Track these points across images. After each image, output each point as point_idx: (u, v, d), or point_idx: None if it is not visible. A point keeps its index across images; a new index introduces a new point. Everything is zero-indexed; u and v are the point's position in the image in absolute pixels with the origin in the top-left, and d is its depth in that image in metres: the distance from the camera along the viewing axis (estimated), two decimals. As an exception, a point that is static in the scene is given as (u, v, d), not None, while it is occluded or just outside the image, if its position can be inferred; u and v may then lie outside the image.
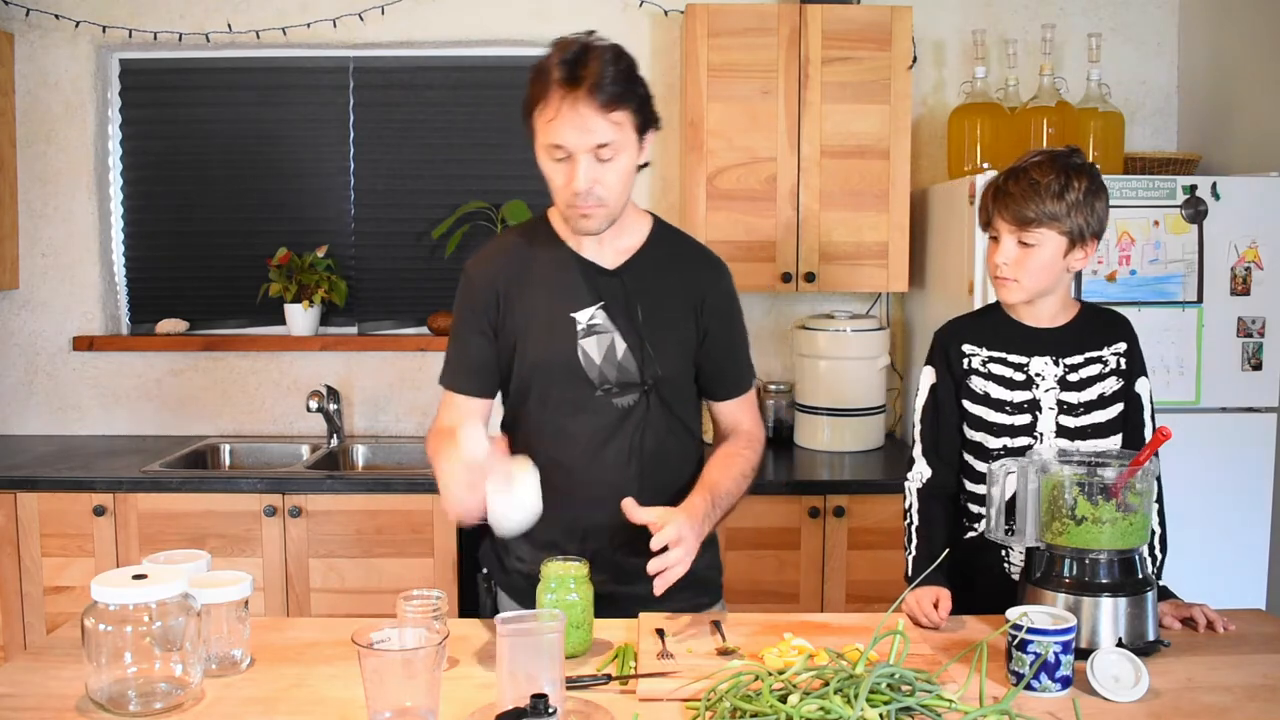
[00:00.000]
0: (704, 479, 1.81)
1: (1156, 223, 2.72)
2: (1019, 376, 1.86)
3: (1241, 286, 2.75)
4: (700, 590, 1.89)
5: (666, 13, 3.41)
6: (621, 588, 1.81)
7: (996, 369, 1.87)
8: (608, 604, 1.77)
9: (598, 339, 1.80)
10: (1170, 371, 2.74)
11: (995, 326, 1.90)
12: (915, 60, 3.27)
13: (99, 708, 1.41)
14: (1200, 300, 2.75)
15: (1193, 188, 2.73)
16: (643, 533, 1.81)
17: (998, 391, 1.86)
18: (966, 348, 1.90)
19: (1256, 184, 2.77)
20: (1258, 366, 2.77)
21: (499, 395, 1.93)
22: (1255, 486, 2.79)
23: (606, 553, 1.82)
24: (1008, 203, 1.79)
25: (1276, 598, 2.84)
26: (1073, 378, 1.85)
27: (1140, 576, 1.63)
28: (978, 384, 1.88)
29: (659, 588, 1.61)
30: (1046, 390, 1.85)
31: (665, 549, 1.62)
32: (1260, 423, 2.79)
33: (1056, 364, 1.85)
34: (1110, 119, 3.08)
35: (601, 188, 1.70)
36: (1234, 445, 2.77)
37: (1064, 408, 1.84)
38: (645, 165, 1.82)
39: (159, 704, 1.42)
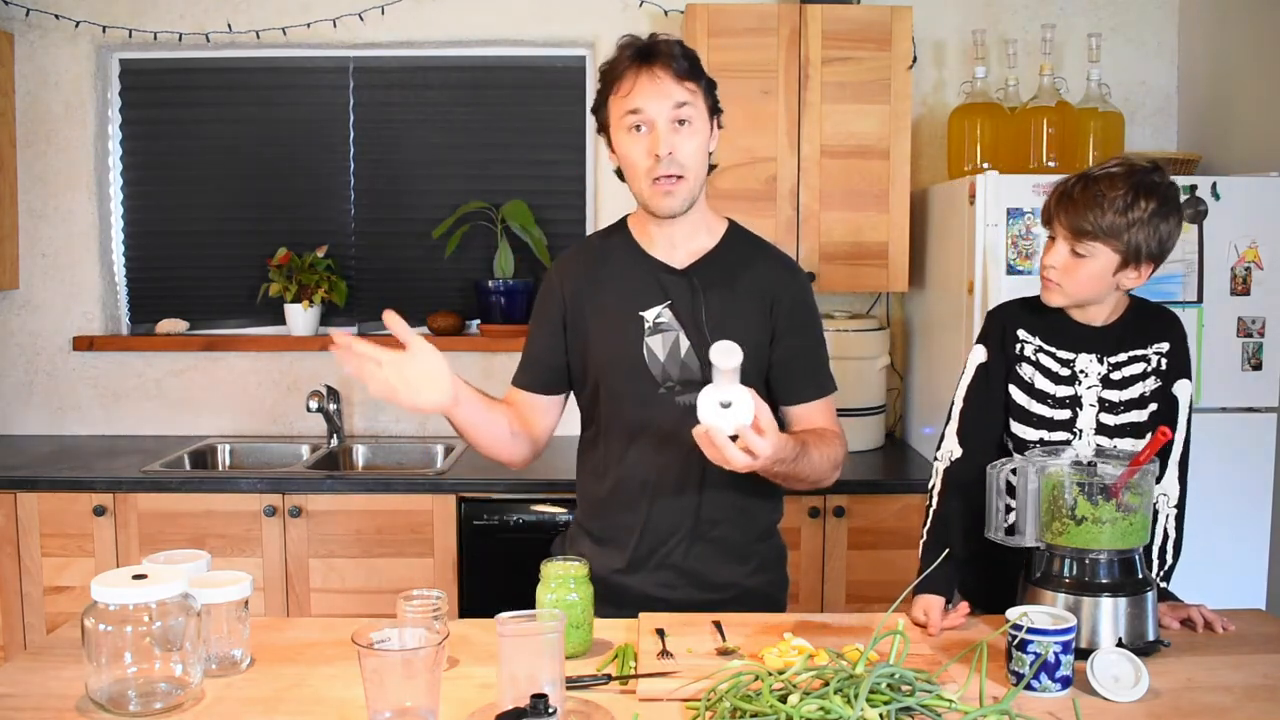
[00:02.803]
0: (797, 434, 1.76)
1: (1156, 223, 2.72)
2: (1064, 371, 1.85)
3: (1241, 286, 2.75)
4: (763, 606, 1.90)
5: (666, 13, 3.41)
6: (676, 593, 1.85)
7: (1045, 360, 1.87)
8: (665, 606, 1.80)
9: (663, 337, 1.82)
10: (1170, 371, 2.73)
11: (1048, 319, 1.88)
12: (915, 60, 3.27)
13: (99, 708, 1.41)
14: (1200, 300, 2.75)
15: (1193, 188, 2.73)
16: (707, 534, 1.86)
17: (1042, 383, 1.86)
18: (1021, 333, 1.88)
19: (1256, 184, 2.77)
20: (1258, 366, 2.77)
21: (573, 397, 1.97)
22: (1255, 486, 2.79)
23: (674, 552, 1.86)
24: (1068, 207, 1.77)
25: (1276, 598, 2.84)
26: (1115, 376, 1.84)
27: (1140, 576, 1.63)
28: (1026, 371, 1.87)
29: (702, 440, 1.54)
30: (1089, 387, 1.84)
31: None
32: (1260, 423, 2.79)
33: (1101, 362, 1.84)
34: (1110, 119, 3.08)
35: (681, 156, 1.74)
36: (1234, 445, 2.77)
37: (1105, 405, 1.84)
38: (714, 167, 1.86)
39: (159, 704, 1.42)
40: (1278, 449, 2.79)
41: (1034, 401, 1.87)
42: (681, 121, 1.74)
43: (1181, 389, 1.86)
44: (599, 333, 1.86)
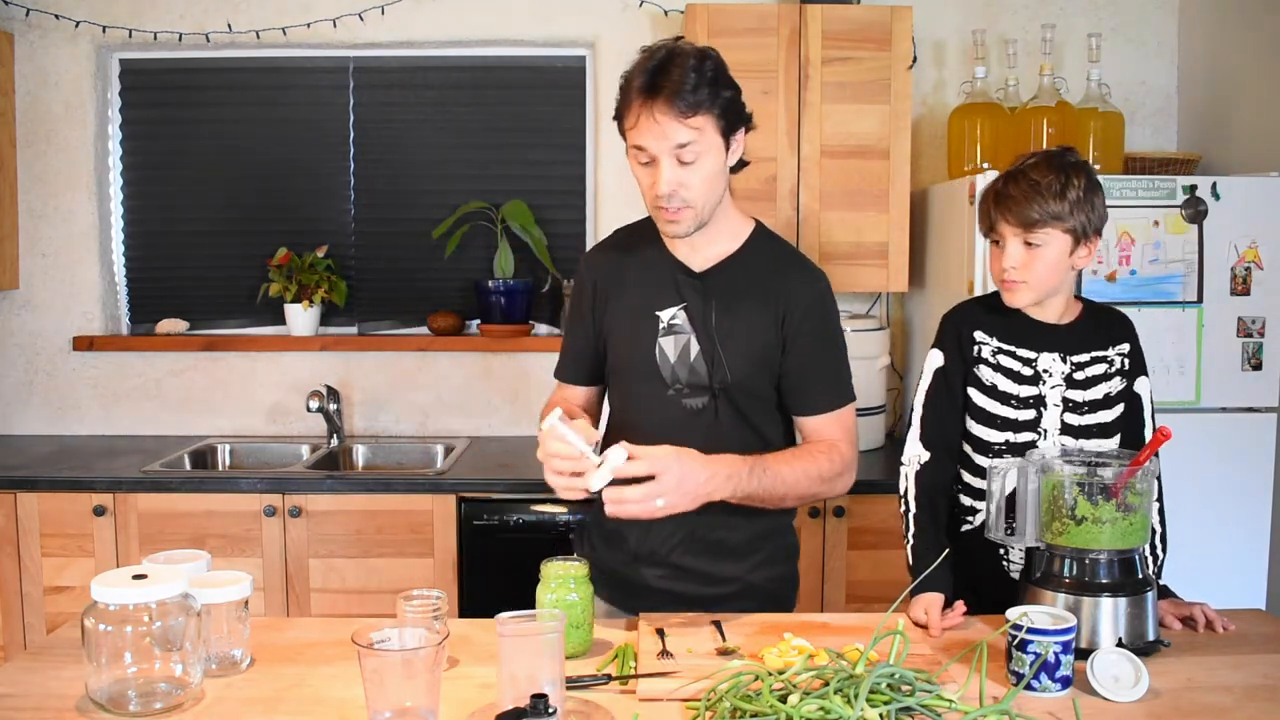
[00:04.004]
0: (755, 454, 1.77)
1: (1156, 223, 2.72)
2: (1027, 371, 1.85)
3: (1241, 286, 2.75)
4: (769, 602, 1.90)
5: (666, 13, 3.41)
6: (678, 585, 1.86)
7: (1005, 361, 1.86)
8: (669, 602, 1.82)
9: (675, 338, 1.83)
10: (1170, 371, 2.74)
11: (1006, 319, 1.88)
12: (915, 60, 3.27)
13: (99, 708, 1.41)
14: (1200, 300, 2.75)
15: (1193, 188, 2.73)
16: (706, 537, 1.86)
17: (1005, 384, 1.86)
18: (978, 335, 1.88)
19: (1256, 184, 2.77)
20: (1258, 366, 2.77)
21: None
22: (1255, 486, 2.79)
23: (673, 552, 1.86)
24: (1010, 205, 1.79)
25: (1276, 598, 2.84)
26: (1079, 376, 1.84)
27: (1140, 576, 1.63)
28: (986, 374, 1.87)
29: (610, 510, 1.60)
30: (1053, 387, 1.84)
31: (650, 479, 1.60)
32: (1260, 423, 2.79)
33: (1064, 361, 1.85)
34: (1110, 119, 3.08)
35: (686, 190, 1.72)
36: (1234, 445, 2.77)
37: (1069, 405, 1.84)
38: (745, 164, 1.82)
39: (159, 704, 1.42)
40: (1278, 449, 2.79)
41: (996, 403, 1.86)
42: (685, 159, 1.70)
43: (1142, 385, 1.88)
44: (619, 328, 1.88)
